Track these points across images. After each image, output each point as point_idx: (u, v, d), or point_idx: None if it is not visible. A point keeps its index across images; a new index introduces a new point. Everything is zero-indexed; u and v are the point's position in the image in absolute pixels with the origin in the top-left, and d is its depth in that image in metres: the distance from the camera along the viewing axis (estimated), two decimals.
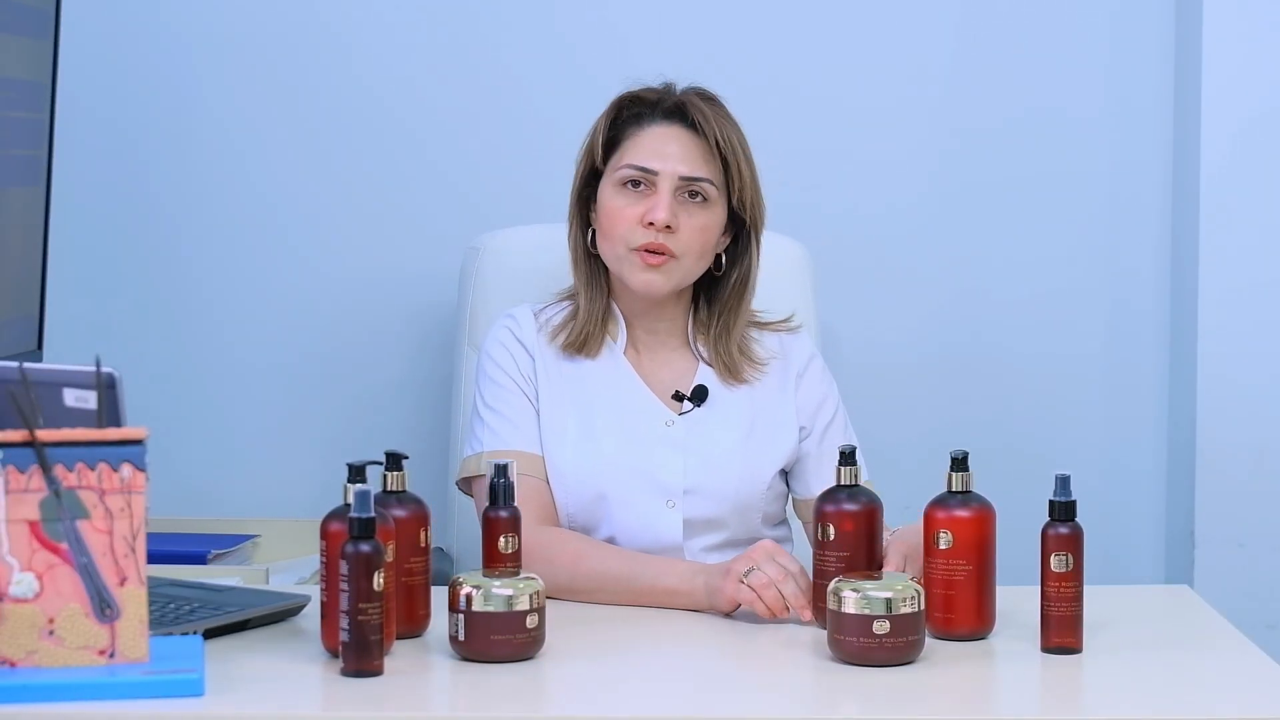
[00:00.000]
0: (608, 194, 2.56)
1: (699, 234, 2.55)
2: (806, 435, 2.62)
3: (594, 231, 2.60)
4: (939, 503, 2.20)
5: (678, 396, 2.58)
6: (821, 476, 2.54)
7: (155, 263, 3.30)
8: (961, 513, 2.18)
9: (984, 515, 2.19)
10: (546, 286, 2.67)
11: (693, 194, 2.54)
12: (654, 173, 2.53)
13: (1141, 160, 3.30)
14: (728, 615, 2.32)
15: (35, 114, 2.93)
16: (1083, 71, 3.29)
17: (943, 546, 2.18)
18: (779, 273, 2.80)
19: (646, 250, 2.52)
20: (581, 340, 2.58)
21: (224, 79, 3.27)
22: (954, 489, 2.19)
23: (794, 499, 2.64)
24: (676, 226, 2.52)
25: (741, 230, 2.61)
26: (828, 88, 3.30)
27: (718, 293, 2.62)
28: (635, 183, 2.54)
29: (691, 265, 2.56)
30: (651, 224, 2.51)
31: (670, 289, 2.57)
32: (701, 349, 2.62)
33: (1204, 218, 3.19)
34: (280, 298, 3.30)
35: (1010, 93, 3.30)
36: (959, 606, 2.17)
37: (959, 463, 2.20)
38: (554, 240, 2.67)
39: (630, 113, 2.58)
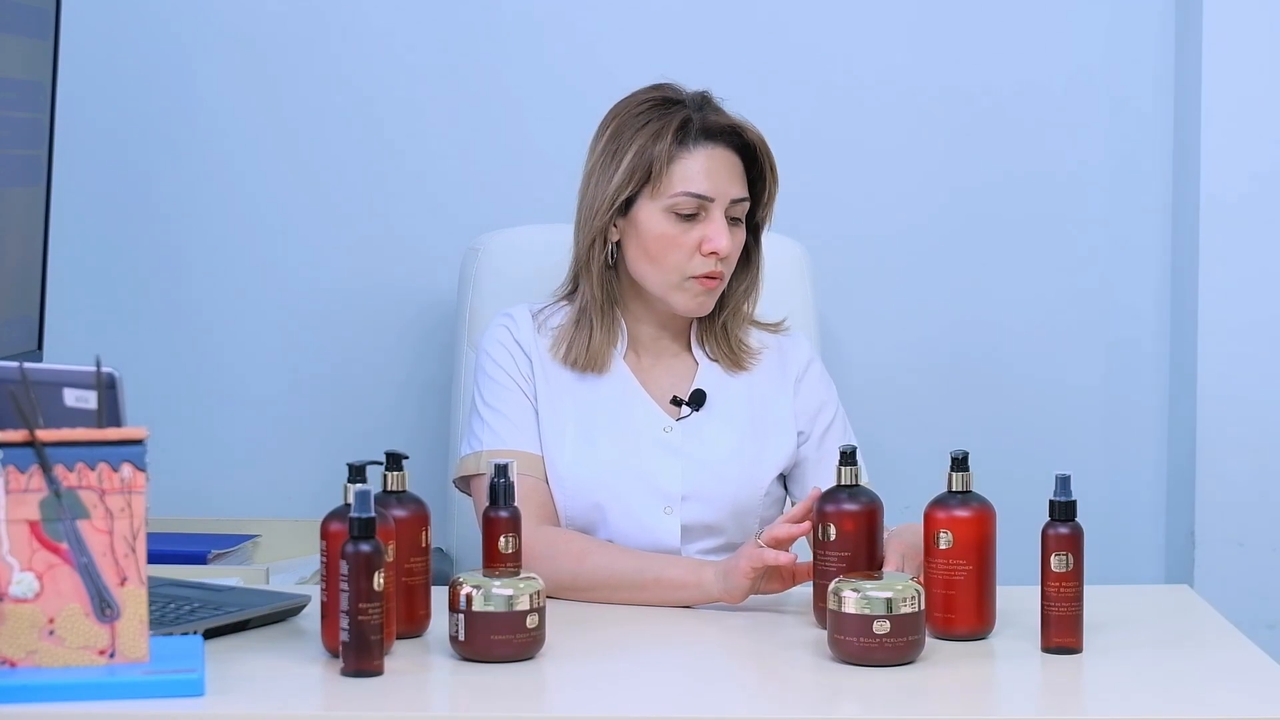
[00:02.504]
0: (656, 220, 2.53)
1: (737, 252, 2.57)
2: (805, 440, 2.62)
3: (613, 246, 2.57)
4: (939, 503, 2.20)
5: (676, 401, 2.58)
6: (821, 480, 2.54)
7: (155, 263, 3.30)
8: (961, 513, 2.18)
9: (984, 515, 2.19)
10: (546, 286, 2.67)
11: (733, 217, 2.54)
12: (710, 199, 2.52)
13: (1143, 155, 3.30)
14: (737, 603, 2.32)
15: (35, 114, 2.93)
16: (1085, 72, 3.29)
17: (943, 546, 2.18)
18: (779, 273, 2.80)
19: (706, 277, 2.52)
20: (593, 361, 2.57)
21: (224, 79, 3.27)
22: (954, 489, 2.20)
23: (793, 503, 2.64)
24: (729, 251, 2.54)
25: (750, 235, 2.61)
26: (828, 88, 3.30)
27: (725, 292, 2.61)
28: (690, 210, 2.52)
29: (727, 280, 2.58)
30: (713, 253, 2.51)
31: (713, 306, 2.58)
32: (704, 347, 2.62)
33: (1204, 217, 3.19)
34: (280, 298, 3.30)
35: (1011, 94, 3.30)
36: (959, 606, 2.17)
37: (959, 463, 2.20)
38: (554, 240, 2.67)
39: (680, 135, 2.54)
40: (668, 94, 2.57)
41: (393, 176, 3.29)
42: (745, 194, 2.55)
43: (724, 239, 2.51)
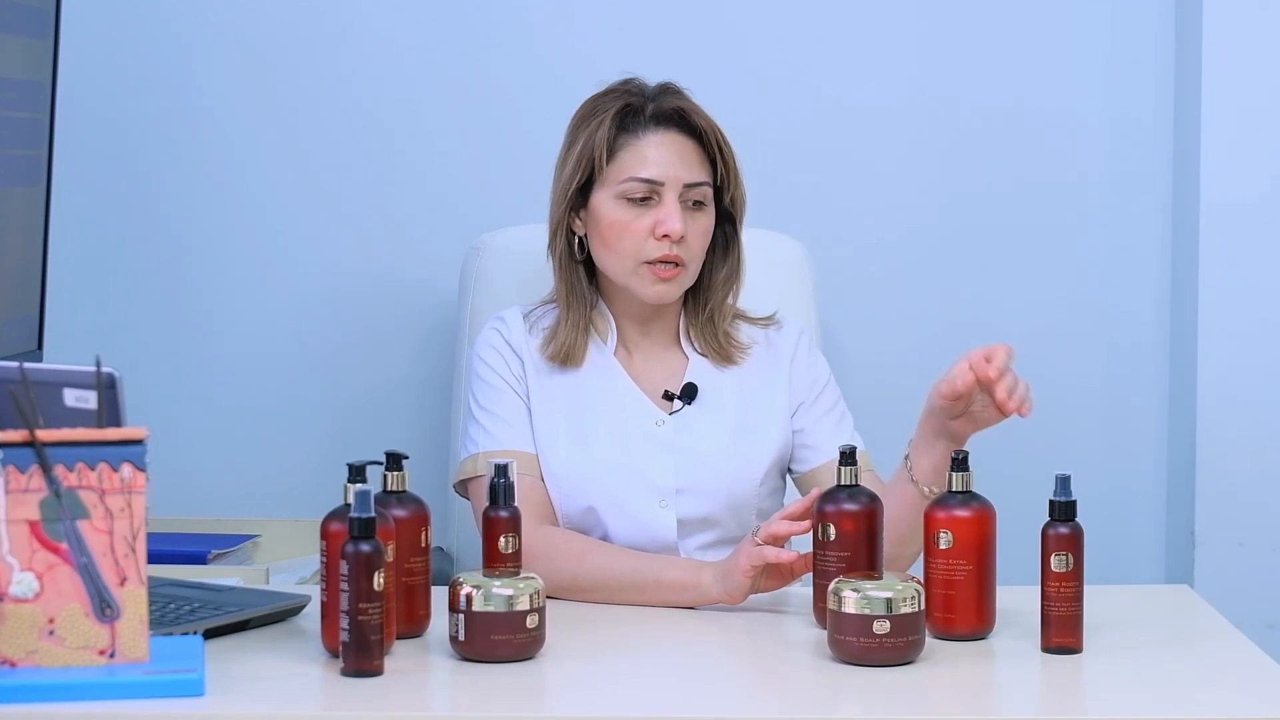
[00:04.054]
0: (608, 207, 2.54)
1: (702, 238, 2.56)
2: (802, 407, 2.61)
3: (578, 239, 2.59)
4: (939, 503, 2.20)
5: (668, 396, 2.58)
6: (819, 443, 2.57)
7: (155, 262, 3.30)
8: (961, 513, 2.18)
9: (984, 515, 2.19)
10: (547, 286, 2.67)
11: (695, 201, 2.54)
12: (660, 184, 2.52)
13: (1143, 162, 3.30)
14: (737, 603, 2.32)
15: (35, 114, 2.93)
16: (1084, 68, 3.30)
17: (943, 546, 2.18)
18: (779, 272, 2.80)
19: (661, 262, 2.52)
20: (565, 353, 2.57)
21: (224, 79, 3.27)
22: (954, 489, 2.19)
23: (795, 478, 2.63)
24: (686, 235, 2.52)
25: (728, 224, 2.61)
26: (828, 87, 3.30)
27: (705, 284, 2.61)
28: (641, 195, 2.53)
29: (695, 269, 2.57)
30: (666, 236, 2.51)
31: (679, 295, 2.57)
32: (692, 342, 2.62)
33: (1204, 224, 3.19)
34: (280, 297, 3.30)
35: (1014, 101, 3.30)
36: (959, 606, 2.17)
37: (959, 462, 2.20)
38: None
39: (624, 121, 2.55)
40: (628, 86, 2.58)
41: (394, 176, 3.30)
42: (702, 178, 2.55)
43: (675, 221, 2.50)
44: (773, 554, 2.28)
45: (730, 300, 2.63)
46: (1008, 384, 2.28)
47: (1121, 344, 3.33)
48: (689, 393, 2.58)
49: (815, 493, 2.28)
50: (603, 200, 2.55)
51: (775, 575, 2.32)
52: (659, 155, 2.53)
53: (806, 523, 2.27)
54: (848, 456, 2.25)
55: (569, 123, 2.61)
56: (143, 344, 3.29)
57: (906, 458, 2.38)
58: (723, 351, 2.61)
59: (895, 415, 3.28)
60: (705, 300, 2.61)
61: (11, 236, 2.88)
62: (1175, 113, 3.28)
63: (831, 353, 3.07)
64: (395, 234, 3.30)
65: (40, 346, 2.98)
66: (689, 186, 2.53)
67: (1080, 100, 3.30)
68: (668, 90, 2.58)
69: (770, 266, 2.66)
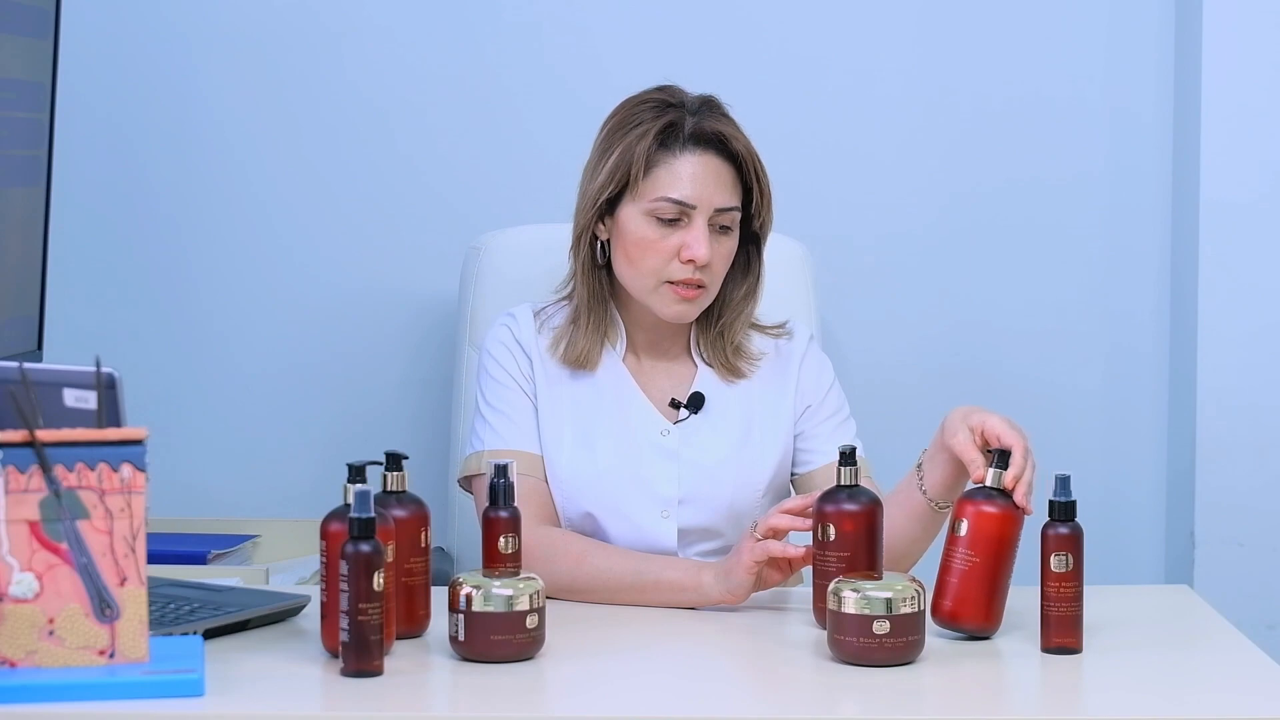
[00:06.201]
0: (636, 222, 2.51)
1: (725, 261, 2.54)
2: (809, 410, 2.60)
3: (601, 245, 2.58)
4: (969, 495, 2.20)
5: (674, 404, 2.58)
6: (821, 446, 2.57)
7: (155, 263, 3.30)
8: (989, 508, 2.18)
9: (1010, 515, 2.18)
10: (547, 286, 2.67)
11: (723, 225, 2.52)
12: (691, 206, 2.49)
13: (1143, 162, 3.30)
14: (739, 603, 2.32)
15: (35, 114, 2.93)
16: (1083, 67, 3.30)
17: (962, 534, 2.18)
18: (779, 273, 2.80)
19: (684, 284, 2.51)
20: (581, 359, 2.56)
21: (224, 79, 3.27)
22: (990, 484, 2.19)
23: (795, 479, 2.63)
24: (710, 260, 2.51)
25: (751, 244, 2.60)
26: (828, 87, 3.30)
27: (721, 299, 2.60)
28: (671, 216, 2.50)
29: (715, 291, 2.55)
30: (690, 261, 2.49)
31: (697, 315, 2.56)
32: (701, 352, 2.61)
33: (1204, 224, 3.19)
34: (281, 297, 3.30)
35: (1013, 100, 3.30)
36: (969, 597, 2.17)
37: (1000, 458, 2.19)
38: (554, 240, 2.67)
39: (663, 138, 2.51)
40: (668, 97, 2.55)
41: (394, 176, 3.30)
42: (733, 203, 2.52)
43: (702, 247, 2.48)
44: (778, 548, 2.28)
45: (745, 316, 2.60)
46: (1015, 473, 2.24)
47: (1121, 343, 3.33)
48: (696, 402, 2.57)
49: (816, 492, 2.28)
50: (631, 215, 2.52)
51: (775, 568, 2.31)
52: (695, 177, 2.50)
53: (807, 520, 2.27)
54: (847, 456, 2.25)
55: (603, 127, 2.56)
56: (143, 344, 3.29)
57: (919, 465, 2.38)
58: (730, 366, 2.59)
59: (895, 415, 3.30)
60: (719, 315, 2.59)
61: (11, 236, 2.88)
62: (1175, 111, 3.28)
63: (831, 353, 3.07)
64: (395, 234, 3.30)
65: (40, 346, 2.98)
66: (719, 211, 2.50)
67: (1079, 99, 3.30)
68: (708, 106, 2.54)
69: (770, 266, 2.65)
